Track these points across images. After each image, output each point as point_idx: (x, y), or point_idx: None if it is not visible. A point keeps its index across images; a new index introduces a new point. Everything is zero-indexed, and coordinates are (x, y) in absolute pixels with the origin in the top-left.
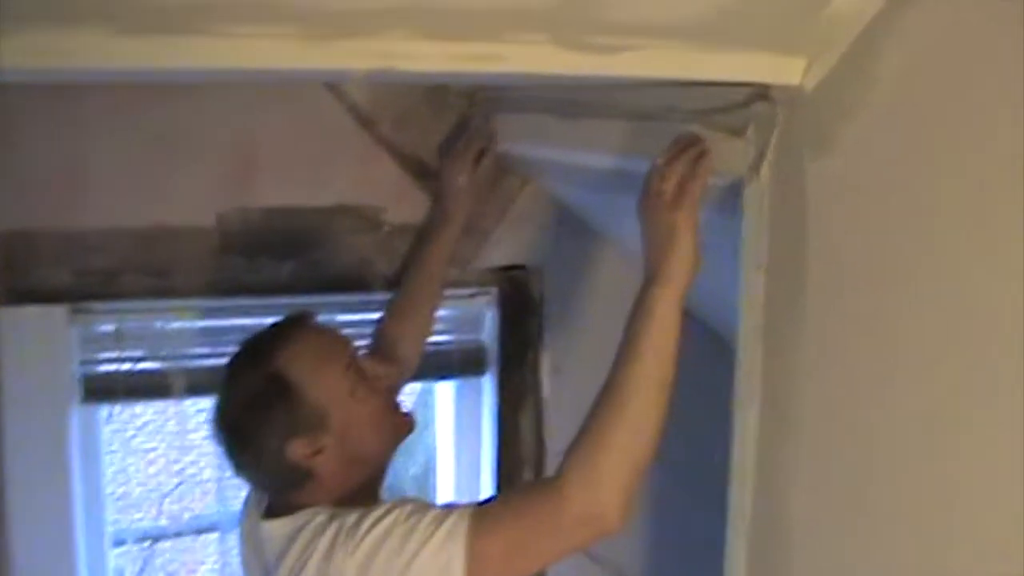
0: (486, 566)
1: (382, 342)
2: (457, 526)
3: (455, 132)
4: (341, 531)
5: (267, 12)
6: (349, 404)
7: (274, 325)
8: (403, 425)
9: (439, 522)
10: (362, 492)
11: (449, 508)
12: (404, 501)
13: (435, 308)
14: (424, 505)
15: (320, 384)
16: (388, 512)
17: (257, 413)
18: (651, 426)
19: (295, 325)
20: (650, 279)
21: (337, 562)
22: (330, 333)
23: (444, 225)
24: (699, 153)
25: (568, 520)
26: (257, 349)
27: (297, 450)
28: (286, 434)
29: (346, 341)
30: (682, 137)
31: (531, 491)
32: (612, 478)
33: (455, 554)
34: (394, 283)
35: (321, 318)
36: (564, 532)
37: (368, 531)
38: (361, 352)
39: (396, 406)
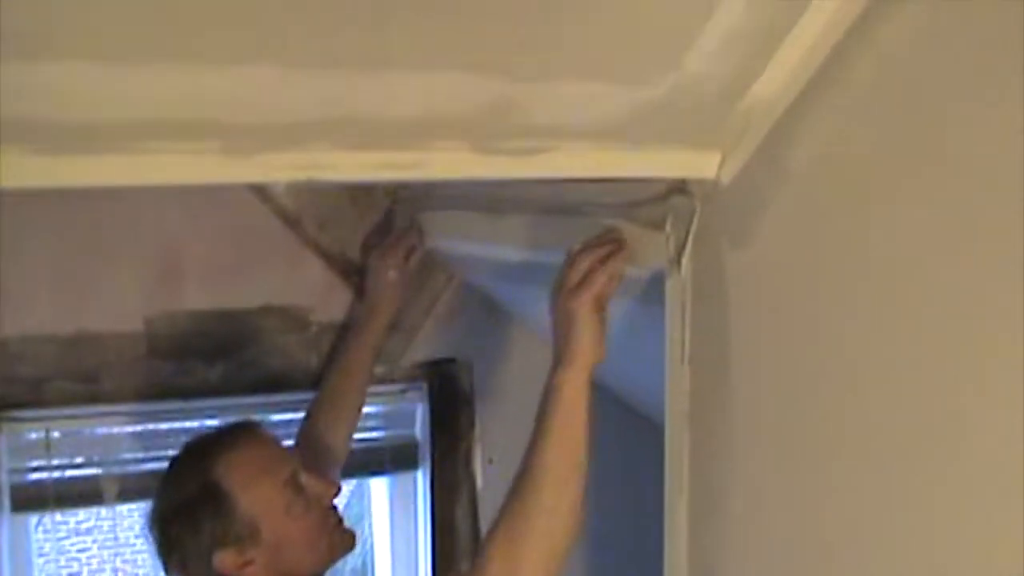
0: None
1: (309, 437)
2: None
3: (380, 227)
4: None
5: (188, 129)
6: (283, 520)
7: (218, 430)
8: (341, 543)
9: None
10: None
11: None
12: None
13: (361, 403)
14: None
15: (254, 496)
16: None
17: (187, 519)
18: (567, 508)
19: (239, 433)
20: (556, 363)
21: None
22: (272, 445)
23: (370, 320)
24: (612, 246)
25: None
26: (197, 454)
27: (225, 560)
28: (214, 543)
29: (288, 455)
30: (603, 232)
31: None
32: (532, 564)
33: None
34: (319, 379)
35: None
36: None
37: None
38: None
39: (336, 523)
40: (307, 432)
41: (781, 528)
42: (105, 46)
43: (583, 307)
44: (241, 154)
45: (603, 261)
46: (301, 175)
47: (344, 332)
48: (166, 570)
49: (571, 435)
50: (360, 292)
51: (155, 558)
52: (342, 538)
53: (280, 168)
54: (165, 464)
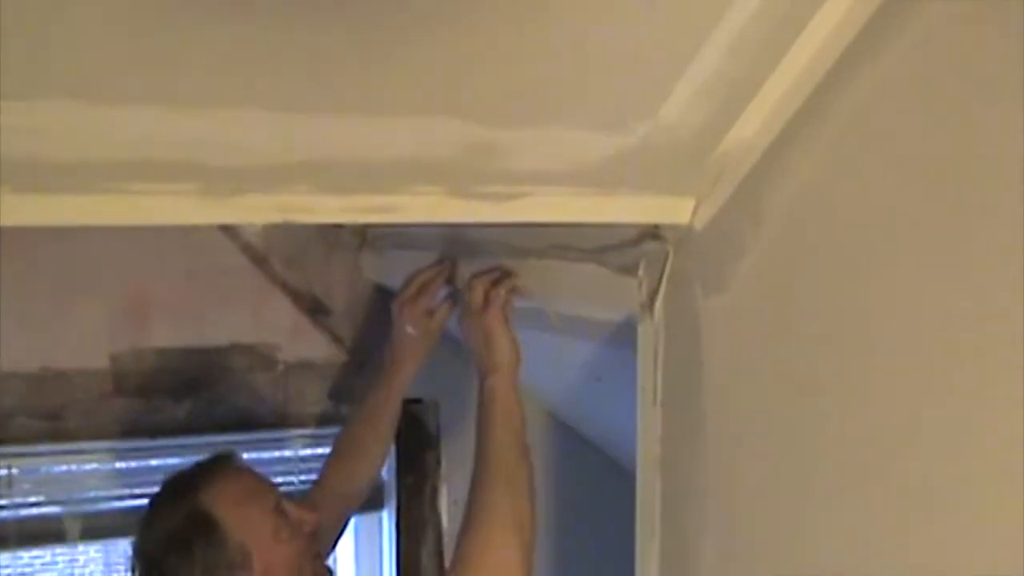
0: None
1: (326, 480)
2: None
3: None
4: None
5: (170, 170)
6: (272, 546)
7: (198, 464)
8: (322, 573)
9: None
10: None
11: None
12: None
13: (382, 452)
14: None
15: (244, 523)
16: None
17: (179, 550)
18: (523, 491)
19: (220, 464)
20: (484, 375)
21: None
22: (253, 474)
23: (393, 373)
24: (500, 272)
25: None
26: (180, 486)
27: None
28: (206, 573)
29: (270, 483)
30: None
31: None
32: (503, 558)
33: None
34: (284, 417)
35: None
36: None
37: None
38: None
39: (316, 554)
40: (326, 477)
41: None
42: (90, 85)
43: (495, 321)
44: (219, 196)
45: (495, 284)
46: (278, 218)
47: (373, 377)
48: None
49: (512, 429)
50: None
51: None
52: (321, 569)
53: (258, 210)
54: (131, 503)
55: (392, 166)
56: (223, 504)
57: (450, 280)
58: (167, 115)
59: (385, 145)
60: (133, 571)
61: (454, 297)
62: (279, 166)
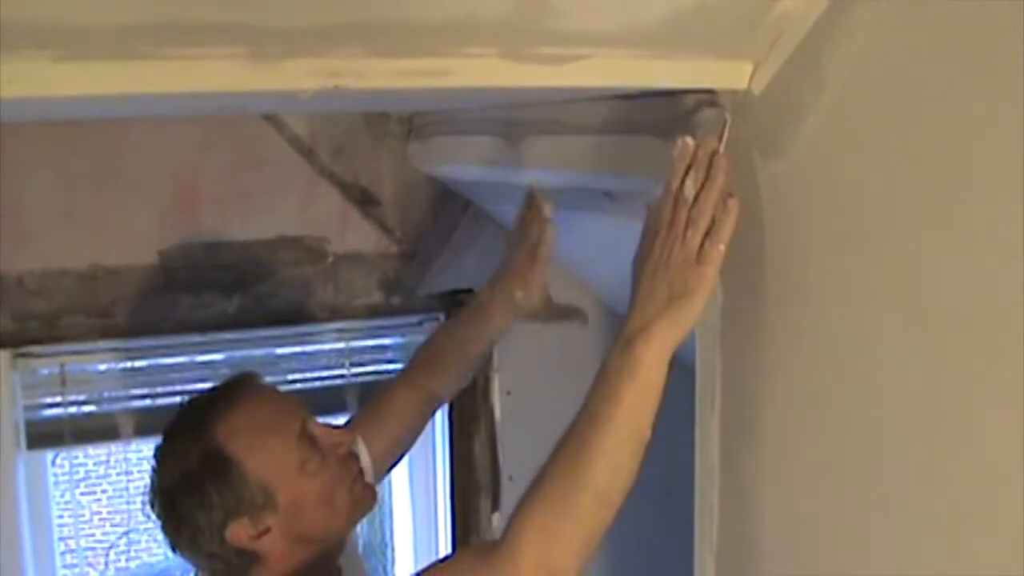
0: None
1: (397, 391)
2: None
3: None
4: None
5: (212, 33)
6: (298, 480)
7: (216, 388)
8: (363, 499)
9: None
10: (317, 569)
11: None
12: None
13: (465, 374)
14: None
15: (264, 459)
16: None
17: (193, 492)
18: (617, 495)
19: (236, 389)
20: (640, 329)
21: None
22: (277, 398)
23: (483, 323)
24: (722, 170)
25: None
26: (195, 417)
27: (238, 532)
28: (225, 516)
29: (295, 405)
30: (686, 149)
31: (482, 563)
32: (569, 547)
33: None
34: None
35: (271, 351)
36: None
37: None
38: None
39: (356, 476)
40: (402, 385)
41: (815, 451)
42: None
43: (706, 282)
44: (267, 60)
45: (726, 199)
46: (328, 83)
47: (461, 312)
48: (175, 547)
49: (641, 416)
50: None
51: (163, 535)
52: (363, 493)
53: (308, 75)
54: (184, 399)
55: (444, 26)
56: (239, 440)
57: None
58: None
59: (436, 2)
60: (152, 506)
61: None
62: (327, 27)
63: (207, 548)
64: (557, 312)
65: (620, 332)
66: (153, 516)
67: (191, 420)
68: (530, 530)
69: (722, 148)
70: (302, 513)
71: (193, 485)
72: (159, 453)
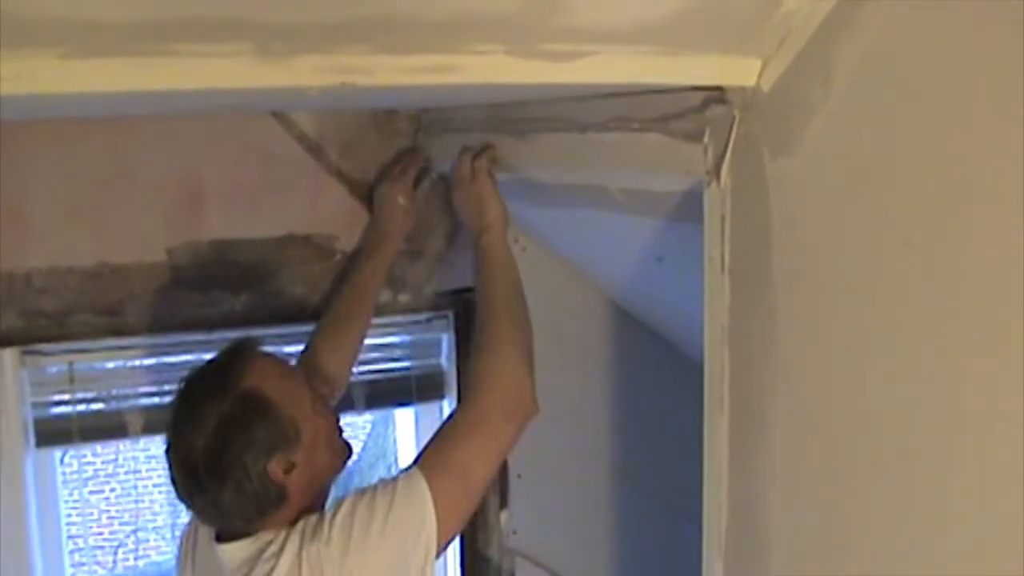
0: (449, 495)
1: (311, 362)
2: (412, 477)
3: (395, 157)
4: (306, 534)
5: (221, 29)
6: (312, 418)
7: (223, 353)
8: (346, 448)
9: (393, 483)
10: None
11: (391, 476)
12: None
13: (364, 332)
14: (367, 487)
15: (291, 397)
16: (341, 502)
17: (238, 434)
18: (523, 317)
19: (245, 348)
20: (477, 235)
21: (313, 559)
22: (276, 355)
23: (380, 247)
24: (484, 145)
25: (497, 422)
26: (217, 375)
27: (276, 468)
28: (269, 451)
29: (290, 362)
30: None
31: (457, 421)
32: (514, 370)
33: (421, 495)
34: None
35: (276, 349)
36: (498, 434)
37: (332, 519)
38: None
39: (335, 422)
40: (308, 360)
41: (824, 445)
42: None
43: (484, 187)
44: (276, 56)
45: (477, 157)
46: (336, 80)
47: (354, 256)
48: (205, 502)
49: (509, 278)
50: (372, 217)
51: (188, 495)
52: (345, 443)
53: (316, 72)
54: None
55: (451, 22)
56: (268, 382)
57: (427, 162)
58: None
59: None
60: (175, 483)
61: (430, 170)
62: (335, 23)
63: (252, 489)
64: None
65: None
66: (184, 478)
67: (213, 377)
68: (485, 377)
69: None
70: (316, 450)
71: (237, 428)
72: (183, 416)
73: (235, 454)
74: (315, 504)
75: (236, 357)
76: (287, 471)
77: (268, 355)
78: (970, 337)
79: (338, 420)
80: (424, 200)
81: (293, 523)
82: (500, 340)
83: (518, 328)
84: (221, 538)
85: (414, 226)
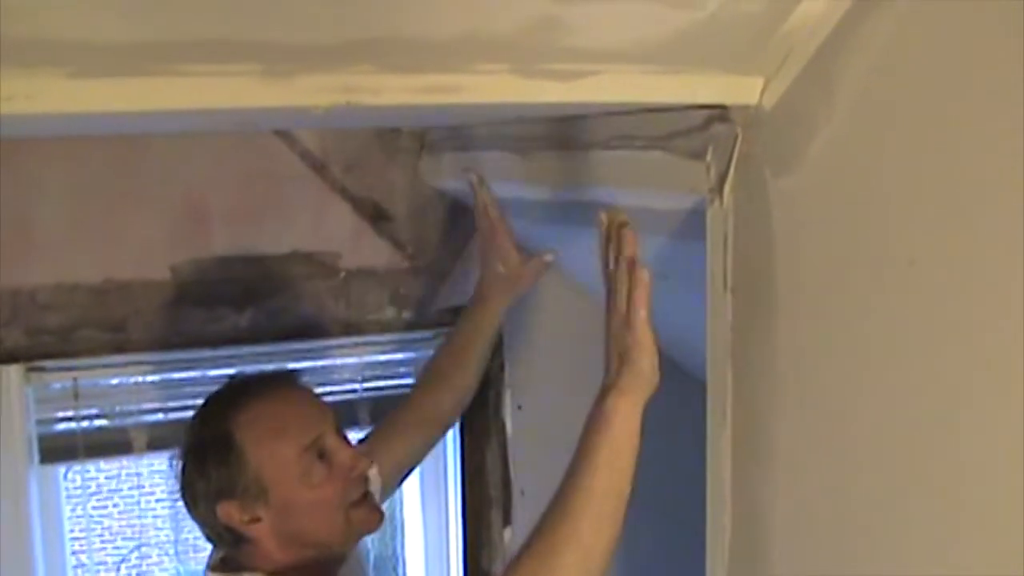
0: None
1: (406, 410)
2: None
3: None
4: None
5: (226, 50)
6: (295, 487)
7: (258, 376)
8: (364, 521)
9: None
10: (311, 570)
11: None
12: None
13: (470, 384)
14: None
15: (267, 457)
16: None
17: (197, 462)
18: (604, 545)
19: (274, 384)
20: (607, 387)
21: None
22: (305, 403)
23: (481, 308)
24: (627, 241)
25: None
26: (227, 398)
27: (229, 511)
28: (217, 494)
29: (321, 416)
30: (601, 221)
31: None
32: None
33: None
34: (349, 326)
35: (283, 366)
36: None
37: None
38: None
39: (359, 498)
40: (407, 406)
41: (827, 466)
42: None
43: (645, 335)
44: (281, 76)
45: (632, 266)
46: (341, 99)
47: (461, 315)
48: (184, 504)
49: (619, 468)
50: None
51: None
52: (366, 516)
53: (321, 91)
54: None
55: (455, 43)
56: (252, 432)
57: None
58: None
59: (449, 19)
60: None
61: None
62: (340, 44)
63: (201, 515)
64: (535, 266)
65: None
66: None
67: (224, 398)
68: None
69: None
70: (293, 516)
71: (198, 456)
72: (193, 416)
73: (189, 480)
74: (318, 561)
75: (253, 391)
76: (249, 521)
77: (286, 402)
78: (975, 356)
79: (358, 490)
80: (533, 280)
81: (281, 572)
82: (565, 558)
83: (597, 534)
84: (213, 567)
85: (515, 290)
